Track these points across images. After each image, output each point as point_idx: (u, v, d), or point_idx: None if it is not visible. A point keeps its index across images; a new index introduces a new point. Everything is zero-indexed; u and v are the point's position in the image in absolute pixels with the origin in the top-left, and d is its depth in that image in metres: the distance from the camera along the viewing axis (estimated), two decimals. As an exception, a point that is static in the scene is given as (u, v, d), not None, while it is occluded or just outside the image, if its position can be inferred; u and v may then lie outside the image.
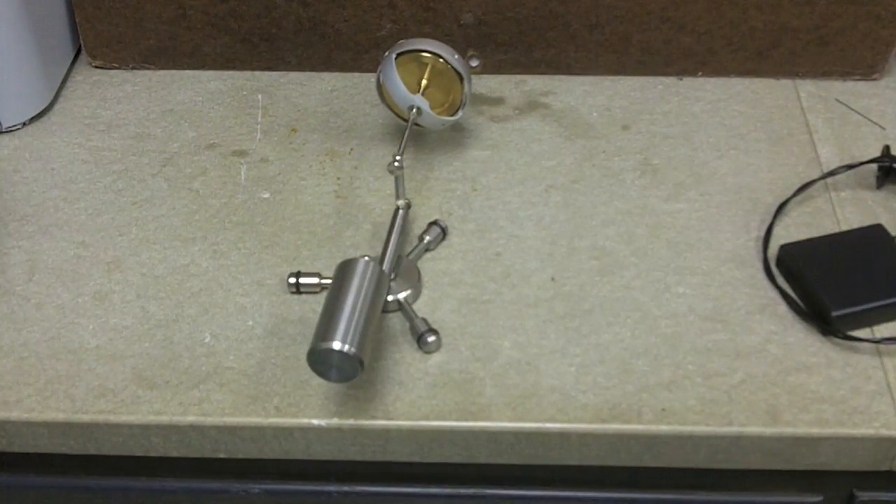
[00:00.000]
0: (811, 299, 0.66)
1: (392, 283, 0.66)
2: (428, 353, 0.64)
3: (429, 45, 0.75)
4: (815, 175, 0.76)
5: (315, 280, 0.67)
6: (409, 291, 0.66)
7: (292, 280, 0.67)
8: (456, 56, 0.75)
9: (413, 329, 0.64)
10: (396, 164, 0.68)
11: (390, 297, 0.66)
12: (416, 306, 0.67)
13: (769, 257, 0.70)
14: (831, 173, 0.75)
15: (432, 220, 0.72)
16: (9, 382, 0.62)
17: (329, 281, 0.62)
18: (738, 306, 0.67)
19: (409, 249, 0.70)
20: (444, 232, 0.71)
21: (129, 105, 0.84)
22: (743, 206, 0.74)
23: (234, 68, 0.87)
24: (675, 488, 0.67)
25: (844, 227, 0.72)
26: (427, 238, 0.70)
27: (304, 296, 0.68)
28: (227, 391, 0.62)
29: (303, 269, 0.69)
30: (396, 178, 0.70)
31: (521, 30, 0.84)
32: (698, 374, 0.63)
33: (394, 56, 0.75)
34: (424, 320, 0.65)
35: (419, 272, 0.69)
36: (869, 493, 0.66)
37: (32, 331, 0.66)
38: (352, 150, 0.80)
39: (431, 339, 0.64)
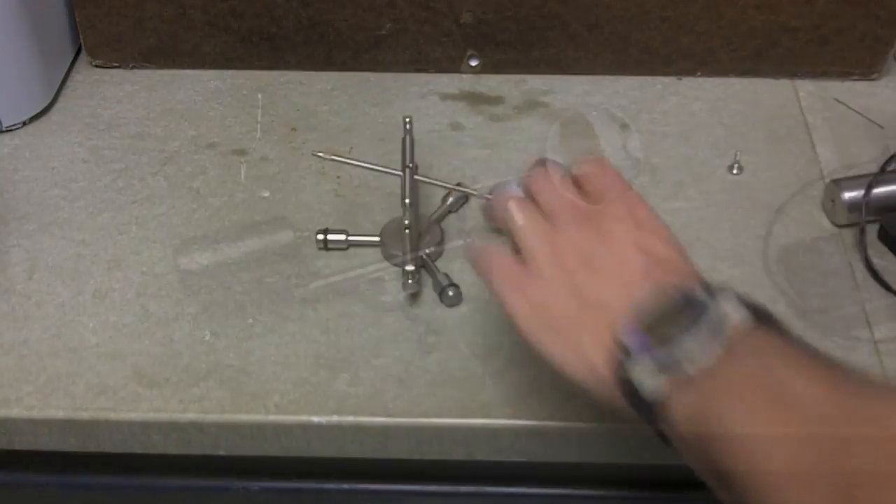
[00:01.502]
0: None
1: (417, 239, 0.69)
2: (450, 306, 0.66)
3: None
4: (815, 175, 0.76)
5: (342, 237, 0.70)
6: (432, 248, 0.70)
7: (320, 237, 0.70)
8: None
9: (435, 283, 0.67)
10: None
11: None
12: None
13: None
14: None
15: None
16: (9, 380, 0.62)
17: (356, 238, 0.70)
18: (736, 304, 0.67)
19: (432, 211, 0.73)
20: (467, 197, 0.74)
21: (129, 104, 0.84)
22: (742, 205, 0.74)
23: (233, 67, 0.87)
24: (674, 486, 0.67)
25: (843, 226, 0.72)
26: (450, 200, 0.73)
27: (303, 293, 0.68)
28: (227, 388, 0.62)
29: (304, 267, 0.69)
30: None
31: (521, 29, 0.84)
32: (697, 371, 0.63)
33: None
34: (446, 275, 0.67)
35: (442, 231, 0.71)
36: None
37: (33, 329, 0.66)
38: (352, 149, 0.80)
39: (452, 292, 0.66)
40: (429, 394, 0.61)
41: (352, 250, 0.71)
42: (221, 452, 0.62)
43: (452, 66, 0.87)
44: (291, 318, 0.66)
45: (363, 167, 0.76)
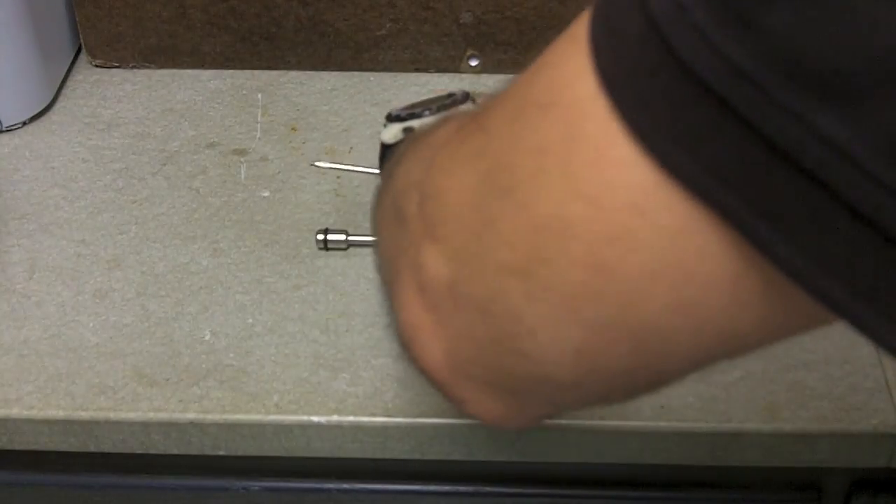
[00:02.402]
0: None
1: None
2: None
3: None
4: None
5: (342, 237, 0.70)
6: None
7: (320, 237, 0.69)
8: None
9: None
10: None
11: None
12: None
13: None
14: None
15: None
16: (9, 380, 0.62)
17: (356, 238, 0.69)
18: (736, 304, 0.67)
19: None
20: None
21: (130, 104, 0.84)
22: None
23: (233, 67, 0.87)
24: (673, 485, 0.67)
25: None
26: None
27: (303, 293, 0.68)
28: (227, 388, 0.62)
29: (304, 267, 0.69)
30: None
31: (521, 29, 0.84)
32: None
33: None
34: None
35: None
36: (866, 490, 0.66)
37: (33, 328, 0.66)
38: (352, 148, 0.80)
39: None
40: (429, 394, 0.61)
41: (352, 250, 0.71)
42: (221, 452, 0.62)
43: (452, 65, 0.87)
44: (291, 318, 0.66)
45: (365, 173, 0.76)
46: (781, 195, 0.24)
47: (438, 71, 0.87)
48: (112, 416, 0.61)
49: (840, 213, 0.23)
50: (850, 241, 0.24)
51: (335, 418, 0.60)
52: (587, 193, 0.28)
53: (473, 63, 0.86)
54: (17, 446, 0.63)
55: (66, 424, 0.61)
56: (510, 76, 0.91)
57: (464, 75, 0.87)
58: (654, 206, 0.27)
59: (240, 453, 0.62)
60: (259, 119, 0.83)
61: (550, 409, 0.38)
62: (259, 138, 0.81)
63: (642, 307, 0.28)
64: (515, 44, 0.85)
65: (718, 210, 0.26)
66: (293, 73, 0.87)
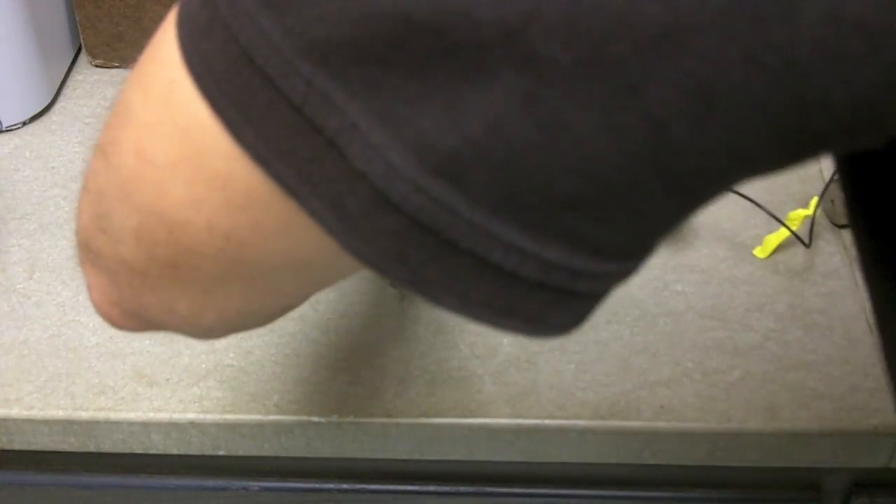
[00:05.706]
0: None
1: None
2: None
3: None
4: (814, 174, 0.76)
5: None
6: None
7: None
8: None
9: None
10: None
11: None
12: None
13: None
14: (831, 179, 0.75)
15: None
16: (9, 380, 0.62)
17: None
18: (736, 304, 0.67)
19: None
20: None
21: (130, 104, 0.84)
22: (742, 204, 0.74)
23: (233, 67, 0.87)
24: (673, 485, 0.67)
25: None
26: None
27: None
28: (226, 388, 0.62)
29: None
30: None
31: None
32: (697, 371, 0.63)
33: None
34: None
35: None
36: (866, 490, 0.66)
37: (33, 328, 0.66)
38: (351, 148, 0.80)
39: None
40: (429, 394, 0.61)
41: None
42: (221, 452, 0.62)
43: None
44: (291, 318, 0.66)
45: None
46: (241, 85, 0.27)
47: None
48: (112, 416, 0.61)
49: (277, 99, 0.26)
50: (286, 125, 0.26)
51: (335, 418, 0.60)
52: (142, 83, 0.31)
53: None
54: (17, 446, 0.63)
55: (66, 424, 0.61)
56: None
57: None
58: (174, 98, 0.29)
59: (240, 453, 0.62)
60: (259, 119, 0.83)
61: (137, 303, 0.37)
62: (259, 138, 0.81)
63: (167, 198, 0.30)
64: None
65: (206, 97, 0.28)
66: (293, 73, 0.87)
